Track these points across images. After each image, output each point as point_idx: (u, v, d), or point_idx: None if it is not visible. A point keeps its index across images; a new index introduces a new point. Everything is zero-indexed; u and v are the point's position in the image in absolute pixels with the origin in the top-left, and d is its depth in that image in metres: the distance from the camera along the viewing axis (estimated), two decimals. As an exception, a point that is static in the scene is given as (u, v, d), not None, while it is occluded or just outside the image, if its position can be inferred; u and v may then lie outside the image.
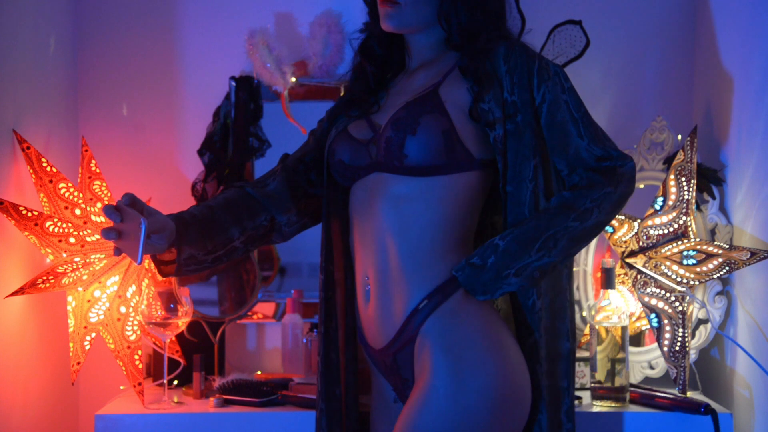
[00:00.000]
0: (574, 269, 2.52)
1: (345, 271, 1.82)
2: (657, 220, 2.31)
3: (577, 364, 2.37)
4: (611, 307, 2.24)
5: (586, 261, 2.55)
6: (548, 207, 1.66)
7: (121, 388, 2.49)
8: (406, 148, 1.63)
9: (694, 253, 2.24)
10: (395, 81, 1.83)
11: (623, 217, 2.36)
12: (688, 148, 2.29)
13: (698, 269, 2.24)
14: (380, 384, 1.83)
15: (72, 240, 2.28)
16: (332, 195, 1.82)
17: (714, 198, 2.38)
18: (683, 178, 2.29)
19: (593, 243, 2.55)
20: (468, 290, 1.63)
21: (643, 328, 2.43)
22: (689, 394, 2.29)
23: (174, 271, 1.73)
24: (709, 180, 2.39)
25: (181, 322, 2.26)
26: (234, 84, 2.61)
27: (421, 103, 1.66)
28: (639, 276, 2.32)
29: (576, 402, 2.23)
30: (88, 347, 2.31)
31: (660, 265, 2.29)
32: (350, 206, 1.79)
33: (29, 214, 2.21)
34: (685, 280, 2.26)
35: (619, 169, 1.69)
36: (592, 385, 2.25)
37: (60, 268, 2.26)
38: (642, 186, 2.50)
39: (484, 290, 1.63)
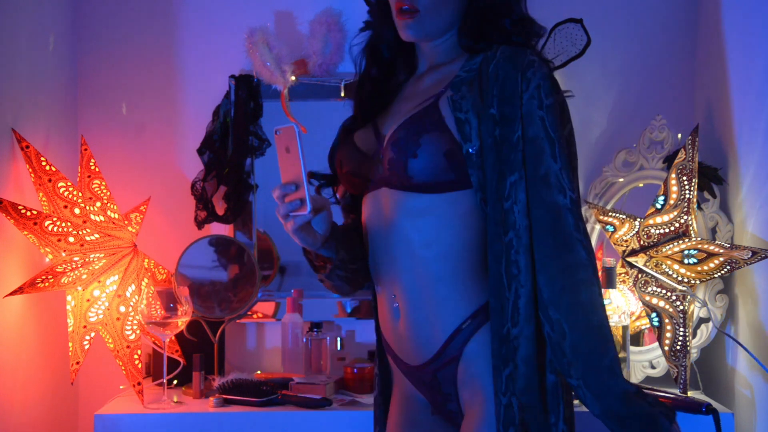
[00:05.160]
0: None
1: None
2: (658, 219, 2.30)
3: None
4: (612, 307, 2.23)
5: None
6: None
7: (121, 387, 2.48)
8: (409, 169, 1.59)
9: (695, 252, 2.24)
10: (406, 84, 1.77)
11: (624, 216, 2.36)
12: (690, 147, 2.29)
13: (699, 268, 2.23)
14: (410, 391, 1.77)
15: (71, 239, 2.27)
16: (354, 204, 1.79)
17: (715, 197, 2.37)
18: (684, 177, 2.28)
19: (593, 242, 2.55)
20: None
21: (643, 327, 2.43)
22: (690, 393, 2.29)
23: (328, 271, 1.70)
24: (710, 179, 2.38)
25: (181, 322, 2.26)
26: (234, 83, 2.61)
27: (420, 119, 1.60)
28: (640, 275, 2.32)
29: (576, 401, 2.22)
30: (87, 347, 2.30)
31: (661, 264, 2.29)
32: (363, 217, 1.73)
33: (28, 214, 2.21)
34: (686, 279, 2.26)
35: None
36: (593, 384, 2.25)
37: (59, 267, 2.26)
38: (641, 185, 2.50)
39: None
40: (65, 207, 2.29)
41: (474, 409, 1.60)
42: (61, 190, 2.29)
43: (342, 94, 2.64)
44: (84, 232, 2.29)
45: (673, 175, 2.30)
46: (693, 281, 2.25)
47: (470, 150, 1.56)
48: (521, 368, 1.55)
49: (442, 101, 1.60)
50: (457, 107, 1.57)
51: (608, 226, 2.38)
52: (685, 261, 2.25)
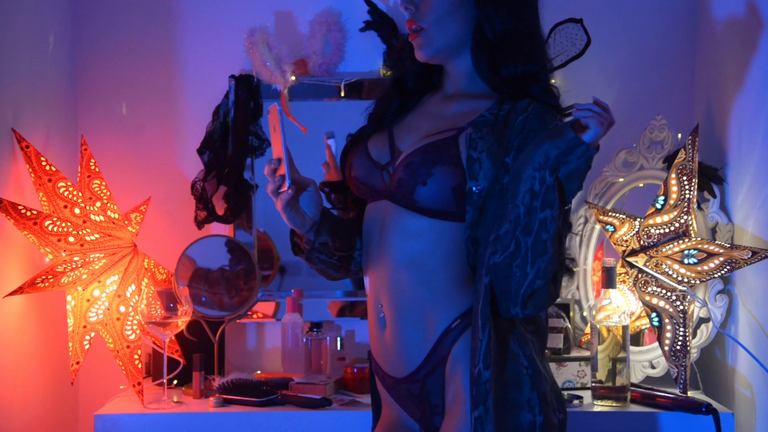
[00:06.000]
0: (575, 270, 2.52)
1: None
2: (658, 219, 2.30)
3: (578, 363, 2.37)
4: (612, 307, 2.23)
5: (586, 261, 2.55)
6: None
7: (121, 387, 2.48)
8: (416, 194, 1.62)
9: (695, 252, 2.24)
10: (428, 98, 1.79)
11: (624, 216, 2.36)
12: (690, 146, 2.29)
13: (699, 268, 2.23)
14: (395, 415, 1.77)
15: (71, 239, 2.27)
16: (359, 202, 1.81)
17: (715, 197, 2.37)
18: (684, 177, 2.28)
19: (593, 242, 2.55)
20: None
21: (643, 327, 2.43)
22: (690, 393, 2.29)
23: (306, 253, 1.74)
24: (710, 179, 2.38)
25: (181, 322, 2.26)
26: (234, 82, 2.60)
27: (437, 149, 1.62)
28: (640, 275, 2.32)
29: (577, 402, 2.23)
30: (87, 347, 2.30)
31: (661, 264, 2.29)
32: (363, 224, 1.76)
33: (28, 213, 2.21)
34: (686, 279, 2.26)
35: None
36: (593, 384, 2.25)
37: (59, 267, 2.26)
38: (641, 185, 2.50)
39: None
40: (65, 207, 2.29)
41: (454, 410, 1.62)
42: (61, 190, 2.29)
43: (342, 94, 2.64)
44: (84, 232, 2.29)
45: (673, 175, 2.30)
46: (693, 281, 2.25)
47: (474, 189, 1.60)
48: (492, 411, 1.55)
49: (462, 137, 1.63)
50: (472, 145, 1.60)
51: (608, 226, 2.38)
52: (685, 261, 2.25)
